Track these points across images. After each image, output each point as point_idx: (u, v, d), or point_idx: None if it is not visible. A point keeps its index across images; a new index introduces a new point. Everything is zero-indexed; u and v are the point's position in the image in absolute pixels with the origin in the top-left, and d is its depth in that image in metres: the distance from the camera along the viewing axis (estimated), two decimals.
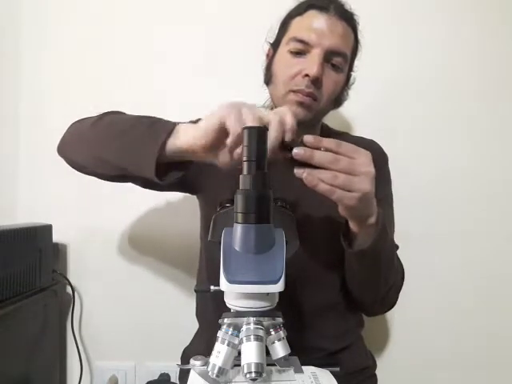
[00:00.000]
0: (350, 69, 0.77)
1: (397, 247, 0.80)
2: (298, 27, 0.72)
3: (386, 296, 0.73)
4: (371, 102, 1.07)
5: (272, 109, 0.80)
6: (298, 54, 0.70)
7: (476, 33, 1.09)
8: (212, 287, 0.53)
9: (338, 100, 0.77)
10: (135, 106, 1.11)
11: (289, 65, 0.71)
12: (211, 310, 0.78)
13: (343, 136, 0.87)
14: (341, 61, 0.71)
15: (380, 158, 0.84)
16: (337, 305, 0.78)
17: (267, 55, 0.79)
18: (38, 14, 1.12)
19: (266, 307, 0.45)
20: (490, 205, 1.10)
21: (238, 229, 0.43)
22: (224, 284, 0.42)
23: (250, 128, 0.44)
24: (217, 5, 1.10)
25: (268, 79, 0.77)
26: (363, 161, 0.52)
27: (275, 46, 0.76)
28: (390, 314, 1.12)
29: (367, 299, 0.76)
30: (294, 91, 0.70)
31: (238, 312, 0.46)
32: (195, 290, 0.55)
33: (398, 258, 0.77)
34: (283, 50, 0.73)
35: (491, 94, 1.10)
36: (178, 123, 0.55)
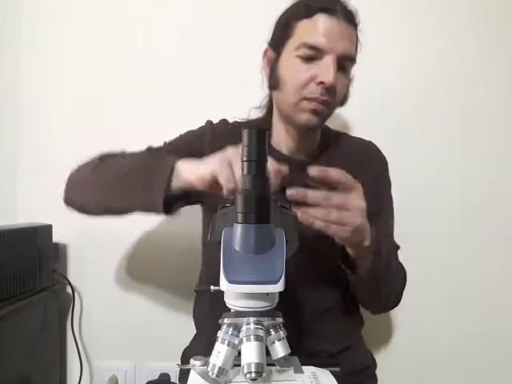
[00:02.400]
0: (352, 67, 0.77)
1: (398, 248, 0.80)
2: (306, 31, 0.69)
3: (388, 300, 0.75)
4: (368, 103, 1.07)
5: (271, 112, 0.81)
6: (309, 59, 0.69)
7: (475, 34, 1.09)
8: (212, 287, 0.53)
9: (343, 100, 0.77)
10: (135, 105, 1.11)
11: (300, 71, 0.69)
12: (207, 312, 0.78)
13: (342, 137, 0.87)
14: (349, 64, 0.72)
15: (379, 164, 0.85)
16: (336, 307, 0.78)
17: (267, 56, 0.77)
18: (37, 14, 1.12)
19: (266, 307, 0.45)
20: (490, 205, 1.10)
21: (238, 229, 0.43)
22: (224, 284, 0.42)
23: (250, 128, 0.44)
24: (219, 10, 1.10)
25: (274, 85, 0.74)
26: (354, 196, 0.55)
27: (277, 48, 0.74)
28: (389, 314, 1.12)
29: (370, 306, 0.80)
30: (307, 99, 0.69)
31: (237, 312, 0.46)
32: (195, 290, 0.55)
33: (399, 262, 0.78)
34: (290, 54, 0.71)
35: (490, 96, 1.10)
36: (175, 161, 0.59)
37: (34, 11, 1.12)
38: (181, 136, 0.84)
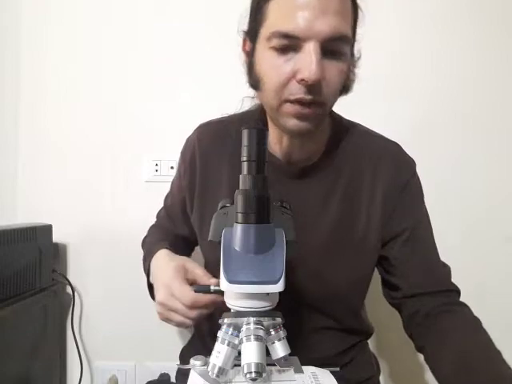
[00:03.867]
0: (354, 43, 0.60)
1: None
2: (277, 15, 0.54)
3: None
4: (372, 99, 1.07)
5: (265, 114, 0.68)
6: (285, 50, 0.54)
7: (474, 34, 1.09)
8: (212, 287, 0.53)
9: (345, 87, 0.60)
10: (135, 106, 1.12)
11: (276, 67, 0.55)
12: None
13: (357, 134, 0.70)
14: (342, 45, 0.54)
15: (402, 171, 0.68)
16: (336, 326, 0.71)
17: (245, 49, 0.63)
18: (37, 14, 1.12)
19: (266, 307, 0.45)
20: (490, 205, 1.10)
21: (238, 229, 0.43)
22: (224, 284, 0.42)
23: (249, 128, 0.44)
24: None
25: (254, 84, 0.60)
26: None
27: (252, 37, 0.59)
28: (392, 318, 1.12)
29: None
30: (290, 101, 0.55)
31: (237, 312, 0.46)
32: (195, 290, 0.55)
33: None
34: (264, 46, 0.56)
35: (491, 96, 1.10)
36: (151, 261, 0.68)
37: (34, 10, 1.12)
38: (172, 182, 0.83)
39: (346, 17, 0.54)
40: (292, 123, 0.57)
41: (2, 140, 1.11)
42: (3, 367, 0.86)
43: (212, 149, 0.72)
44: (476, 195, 1.10)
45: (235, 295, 0.45)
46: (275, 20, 0.54)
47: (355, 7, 0.57)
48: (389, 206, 0.67)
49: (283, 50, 0.54)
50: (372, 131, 0.73)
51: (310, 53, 0.52)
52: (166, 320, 0.60)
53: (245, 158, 0.44)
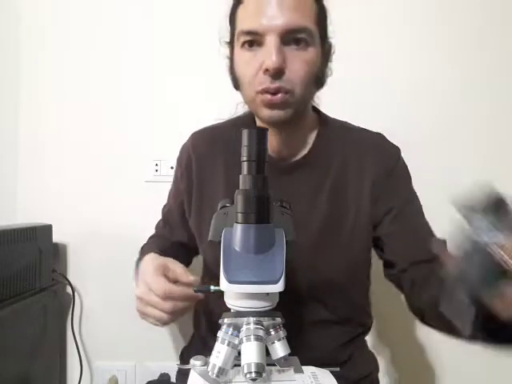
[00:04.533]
0: (324, 38, 0.65)
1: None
2: (243, 17, 0.62)
3: None
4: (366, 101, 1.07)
5: (253, 115, 0.72)
6: (252, 46, 0.61)
7: (473, 34, 1.09)
8: (212, 287, 0.53)
9: (318, 79, 0.65)
10: (135, 105, 1.12)
11: (246, 62, 0.62)
12: (202, 317, 0.77)
13: (343, 130, 0.75)
14: (304, 36, 0.60)
15: (389, 157, 0.72)
16: (335, 319, 0.72)
17: (228, 57, 0.70)
18: (37, 14, 1.12)
19: (266, 307, 0.45)
20: None
21: (238, 229, 0.43)
22: (224, 284, 0.42)
23: (249, 128, 0.44)
24: None
25: (235, 84, 0.68)
26: None
27: (231, 44, 0.67)
28: (392, 316, 1.12)
29: None
30: (260, 92, 0.61)
31: (237, 312, 0.46)
32: (195, 290, 0.54)
33: None
34: (237, 46, 0.64)
35: (491, 96, 1.10)
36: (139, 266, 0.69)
37: (35, 11, 1.12)
38: (170, 190, 0.84)
39: (305, 11, 0.60)
40: (265, 113, 0.62)
41: (2, 140, 1.11)
42: (3, 367, 0.86)
43: (207, 153, 0.75)
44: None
45: (235, 295, 0.45)
46: (241, 21, 0.63)
47: (319, 4, 0.63)
48: (376, 192, 0.69)
49: (250, 46, 0.61)
50: (357, 126, 0.77)
51: (269, 45, 0.59)
52: (144, 316, 0.59)
53: (245, 158, 0.44)
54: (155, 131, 1.12)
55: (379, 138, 0.75)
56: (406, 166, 0.74)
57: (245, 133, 0.44)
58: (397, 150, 0.74)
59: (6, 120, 1.12)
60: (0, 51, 1.10)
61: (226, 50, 0.69)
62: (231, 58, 0.68)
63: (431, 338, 1.11)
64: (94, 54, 1.12)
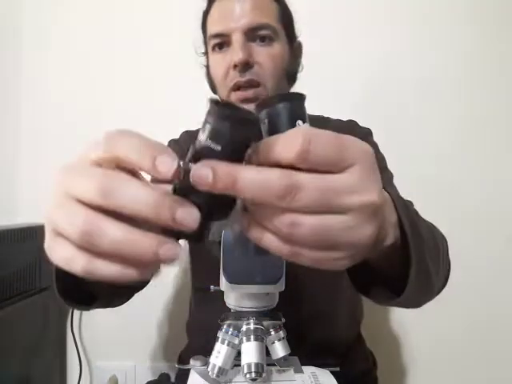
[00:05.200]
0: (291, 36, 0.70)
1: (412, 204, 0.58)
2: (210, 24, 0.68)
3: (438, 277, 0.46)
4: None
5: None
6: (221, 48, 0.66)
7: (472, 33, 1.09)
8: (212, 287, 0.53)
9: (288, 74, 0.69)
10: (135, 105, 1.12)
11: (217, 63, 0.67)
12: (195, 318, 0.78)
13: (320, 120, 0.79)
14: (268, 32, 0.65)
15: (361, 137, 0.69)
16: (327, 312, 0.72)
17: (204, 65, 0.75)
18: (38, 14, 1.12)
19: (265, 307, 0.45)
20: (490, 204, 1.10)
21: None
22: (224, 284, 0.42)
23: None
24: None
25: (212, 87, 0.72)
26: (354, 174, 0.26)
27: (206, 52, 0.73)
28: (389, 314, 1.12)
29: (418, 304, 0.49)
30: (233, 90, 0.64)
31: (237, 312, 0.46)
32: (195, 290, 0.54)
33: (439, 233, 0.55)
34: (209, 51, 0.69)
35: (491, 95, 1.10)
36: None
37: (35, 11, 1.12)
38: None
39: (265, 10, 0.65)
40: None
41: (3, 140, 1.11)
42: (3, 367, 0.86)
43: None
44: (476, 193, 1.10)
45: (235, 295, 0.45)
46: (210, 27, 0.68)
47: (281, 4, 0.68)
48: None
49: (219, 47, 0.66)
50: (332, 118, 0.80)
51: (235, 42, 0.63)
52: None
53: None
54: (155, 131, 1.11)
55: (352, 124, 0.79)
56: (377, 145, 0.76)
57: None
58: (368, 130, 0.79)
59: (7, 120, 1.12)
60: (0, 51, 1.10)
61: (203, 60, 0.74)
62: (207, 65, 0.72)
63: (431, 339, 1.11)
64: (94, 54, 1.12)
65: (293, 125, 0.30)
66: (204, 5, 0.70)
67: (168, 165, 0.24)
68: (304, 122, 0.30)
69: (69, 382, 1.15)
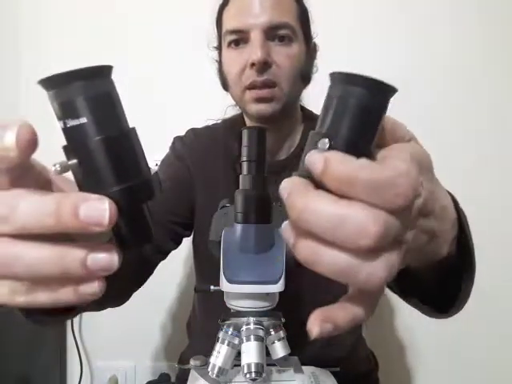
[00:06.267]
0: (308, 36, 0.68)
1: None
2: (227, 18, 0.66)
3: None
4: None
5: (242, 113, 0.74)
6: (238, 45, 0.64)
7: (479, 30, 1.09)
8: (212, 287, 0.53)
9: (304, 75, 0.67)
10: (135, 106, 1.11)
11: (233, 60, 0.64)
12: (198, 319, 0.77)
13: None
14: (287, 32, 0.63)
15: None
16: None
17: (216, 60, 0.73)
18: (38, 14, 1.12)
19: (266, 307, 0.45)
20: (490, 204, 1.09)
21: (238, 229, 0.43)
22: (224, 284, 0.42)
23: (249, 128, 0.44)
24: None
25: (224, 86, 0.70)
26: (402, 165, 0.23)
27: (219, 47, 0.70)
28: (392, 316, 1.12)
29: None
30: (248, 88, 0.62)
31: (238, 312, 0.46)
32: (195, 290, 0.55)
33: None
34: (224, 47, 0.67)
35: (491, 94, 1.10)
36: None
37: (35, 11, 1.12)
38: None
39: (286, 9, 0.63)
40: (254, 108, 0.64)
41: None
42: (3, 367, 0.86)
43: (201, 148, 0.75)
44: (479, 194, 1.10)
45: (235, 295, 0.45)
46: (227, 22, 0.65)
47: (300, 4, 0.66)
48: None
49: (236, 44, 0.64)
50: None
51: (254, 40, 0.61)
52: None
53: (245, 158, 0.44)
54: (155, 131, 1.11)
55: None
56: None
57: (245, 133, 0.44)
58: None
59: (7, 119, 1.12)
60: (0, 51, 1.10)
61: (215, 54, 0.72)
62: (219, 61, 0.70)
63: (431, 340, 1.11)
64: (94, 54, 1.12)
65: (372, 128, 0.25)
66: None
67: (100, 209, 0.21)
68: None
69: (69, 382, 1.15)
